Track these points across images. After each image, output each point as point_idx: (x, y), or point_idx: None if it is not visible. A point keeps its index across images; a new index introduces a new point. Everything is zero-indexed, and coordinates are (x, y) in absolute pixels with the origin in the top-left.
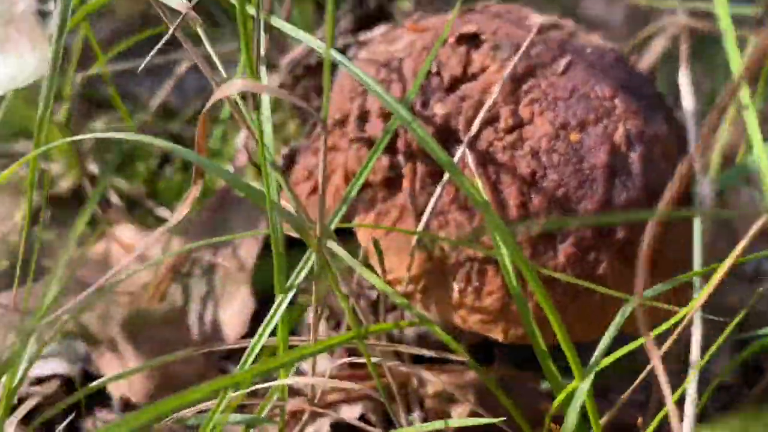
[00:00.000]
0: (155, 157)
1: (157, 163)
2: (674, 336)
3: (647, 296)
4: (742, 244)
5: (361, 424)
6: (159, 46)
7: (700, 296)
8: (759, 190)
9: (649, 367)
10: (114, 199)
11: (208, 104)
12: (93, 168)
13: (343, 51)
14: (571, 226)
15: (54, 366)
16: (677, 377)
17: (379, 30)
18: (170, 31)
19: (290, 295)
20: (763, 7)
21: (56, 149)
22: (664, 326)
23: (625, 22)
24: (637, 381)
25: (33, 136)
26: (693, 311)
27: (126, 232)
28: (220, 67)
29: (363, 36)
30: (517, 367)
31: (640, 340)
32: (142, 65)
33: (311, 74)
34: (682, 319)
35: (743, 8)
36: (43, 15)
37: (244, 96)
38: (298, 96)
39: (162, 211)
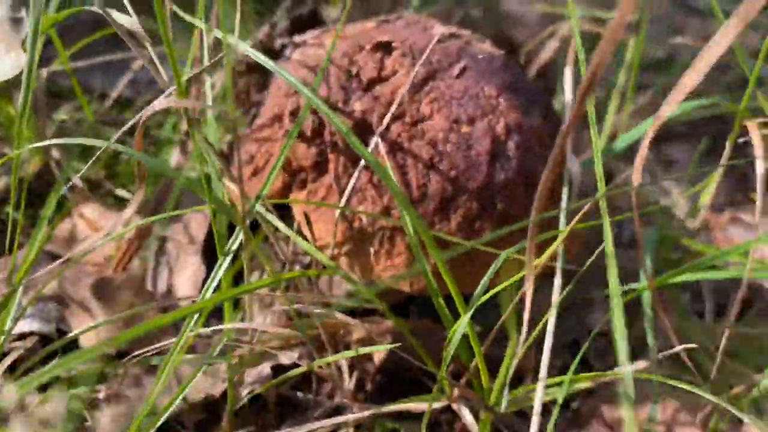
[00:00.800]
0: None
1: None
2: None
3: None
4: (588, 204)
5: (299, 361)
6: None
7: (560, 236)
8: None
9: (516, 298)
10: (77, 181)
11: (143, 118)
12: (55, 154)
13: (281, 49)
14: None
15: (32, 325)
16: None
17: (312, 33)
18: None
19: (230, 256)
20: (637, 14)
21: (22, 137)
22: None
23: (539, 21)
24: (506, 313)
25: None
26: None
27: (90, 210)
28: (162, 72)
29: (298, 38)
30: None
31: (509, 281)
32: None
33: (251, 72)
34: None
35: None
36: (16, 21)
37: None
38: (239, 91)
39: (121, 192)
